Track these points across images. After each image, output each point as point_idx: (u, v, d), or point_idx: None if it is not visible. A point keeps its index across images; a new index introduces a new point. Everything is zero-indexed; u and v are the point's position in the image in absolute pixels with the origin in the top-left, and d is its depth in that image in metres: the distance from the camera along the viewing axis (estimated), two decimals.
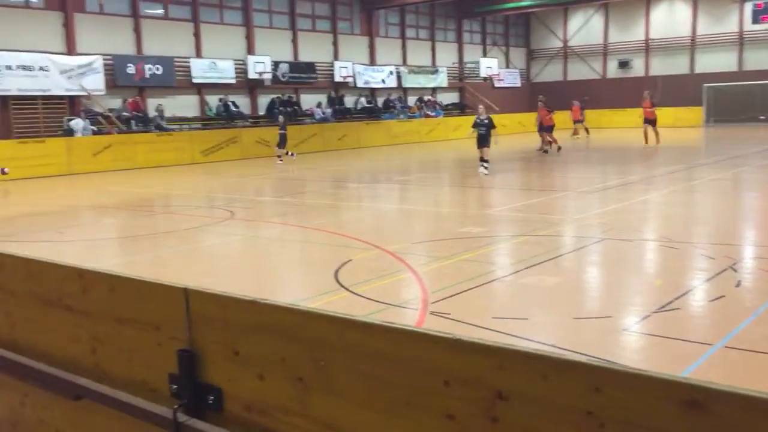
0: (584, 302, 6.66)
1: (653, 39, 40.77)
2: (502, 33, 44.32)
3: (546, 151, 23.77)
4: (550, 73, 44.87)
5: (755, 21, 36.75)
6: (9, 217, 12.83)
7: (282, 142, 23.25)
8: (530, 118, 40.12)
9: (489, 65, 40.54)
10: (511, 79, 43.42)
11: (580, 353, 4.51)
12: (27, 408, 3.29)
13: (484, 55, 42.07)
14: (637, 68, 41.46)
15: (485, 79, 40.63)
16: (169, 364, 2.48)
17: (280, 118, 24.77)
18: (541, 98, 25.28)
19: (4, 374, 3.29)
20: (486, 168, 17.01)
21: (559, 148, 23.95)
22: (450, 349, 1.78)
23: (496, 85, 41.60)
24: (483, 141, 17.10)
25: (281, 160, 23.24)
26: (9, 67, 22.26)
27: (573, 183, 16.71)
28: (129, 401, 2.60)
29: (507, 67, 43.76)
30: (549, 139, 23.94)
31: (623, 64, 41.82)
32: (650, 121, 25.72)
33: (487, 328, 5.54)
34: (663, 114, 37.30)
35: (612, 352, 5.13)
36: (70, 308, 2.93)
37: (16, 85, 22.45)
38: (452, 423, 1.80)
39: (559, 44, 44.41)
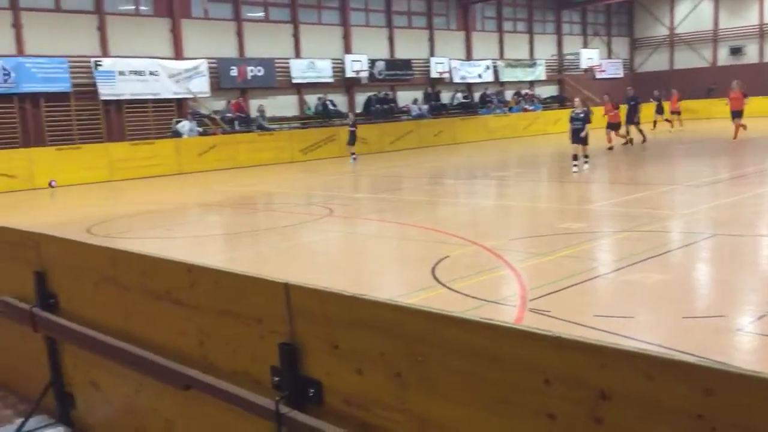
0: (694, 301, 6.36)
1: None
2: (603, 23, 42.96)
3: (628, 143, 22.66)
4: (655, 62, 43.10)
5: None
6: (123, 215, 13.56)
7: (352, 139, 23.74)
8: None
9: (590, 56, 39.41)
10: (613, 69, 42.02)
11: (690, 354, 4.31)
12: (141, 396, 3.46)
13: (585, 45, 40.91)
14: (751, 55, 39.18)
15: (586, 70, 39.52)
16: (271, 356, 2.54)
17: (350, 116, 25.18)
18: (606, 95, 23.96)
19: (119, 364, 3.47)
20: (584, 164, 16.13)
21: (611, 148, 22.15)
22: (550, 347, 1.74)
23: (597, 76, 40.34)
24: (576, 136, 16.32)
25: (355, 158, 23.64)
26: (122, 73, 23.53)
27: (680, 176, 16.00)
28: (234, 392, 2.69)
29: (609, 57, 42.38)
30: (617, 136, 22.45)
31: (735, 51, 39.62)
32: (736, 113, 23.24)
33: (588, 326, 5.39)
34: None
35: (725, 353, 4.88)
36: (179, 302, 3.06)
37: (128, 89, 23.71)
38: (553, 423, 1.76)
39: (666, 32, 42.58)
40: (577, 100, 17.63)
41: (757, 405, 1.39)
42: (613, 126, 22.58)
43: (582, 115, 16.49)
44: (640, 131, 23.81)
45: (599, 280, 7.11)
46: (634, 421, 1.60)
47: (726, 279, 6.99)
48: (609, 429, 1.65)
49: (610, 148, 22.15)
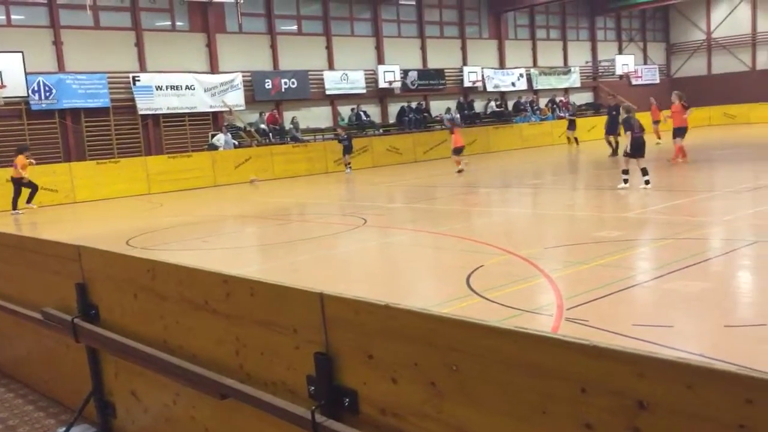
0: (735, 309, 6.23)
1: None
2: (638, 28, 42.52)
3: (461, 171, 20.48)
4: (692, 67, 42.50)
5: None
6: (161, 228, 13.77)
7: (347, 150, 24.17)
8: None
9: (625, 62, 39.02)
10: (649, 75, 41.54)
11: (733, 363, 4.22)
12: (179, 406, 3.51)
13: (620, 52, 40.53)
14: None
15: (621, 77, 39.12)
16: (306, 366, 2.56)
17: (339, 130, 25.08)
18: (448, 114, 22.63)
19: (158, 373, 3.52)
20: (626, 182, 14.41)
21: (460, 171, 20.41)
22: (587, 356, 1.72)
23: (634, 82, 39.92)
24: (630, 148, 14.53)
25: (349, 169, 24.17)
26: (159, 88, 23.98)
27: (720, 182, 15.72)
28: (270, 401, 2.71)
29: (645, 63, 41.91)
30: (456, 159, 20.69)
31: None
32: (678, 130, 20.08)
33: (627, 336, 5.31)
34: None
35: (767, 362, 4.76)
36: (215, 312, 3.10)
37: (166, 104, 24.17)
38: None
39: (702, 36, 41.99)
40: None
41: None
42: (456, 150, 20.79)
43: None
44: (611, 143, 22.72)
45: (638, 288, 7.01)
46: (674, 431, 1.57)
47: None
48: None
49: (459, 171, 20.49)
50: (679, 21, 43.13)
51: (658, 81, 41.86)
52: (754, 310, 6.16)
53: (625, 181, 14.35)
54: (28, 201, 17.95)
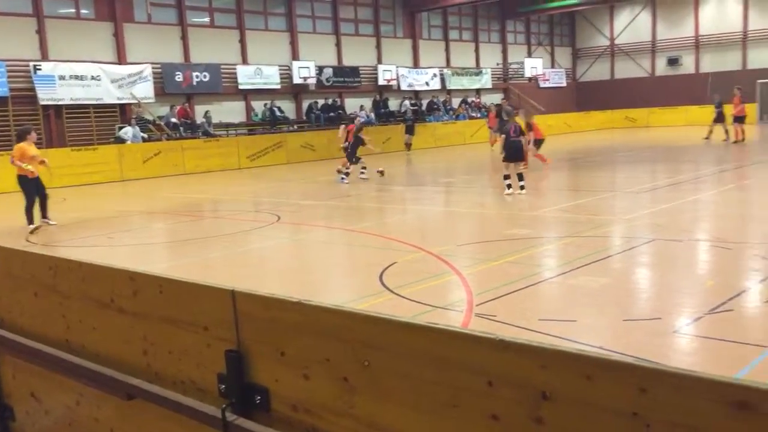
0: (633, 304, 6.54)
1: (703, 35, 39.85)
2: (546, 33, 43.88)
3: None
4: (596, 72, 44.23)
5: None
6: (63, 224, 13.20)
7: (352, 156, 19.20)
8: (575, 119, 40.00)
9: (534, 65, 40.22)
10: (556, 78, 42.96)
11: (629, 355, 4.43)
12: (82, 407, 3.39)
13: (529, 55, 41.71)
14: (687, 65, 40.58)
15: (530, 79, 40.32)
16: (217, 364, 2.52)
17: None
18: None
19: (59, 374, 3.39)
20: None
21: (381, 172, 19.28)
22: (493, 350, 1.78)
23: (542, 85, 41.23)
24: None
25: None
26: (63, 77, 22.95)
27: (621, 183, 16.44)
28: (179, 401, 2.65)
29: (552, 67, 43.30)
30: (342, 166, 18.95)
31: (672, 62, 40.97)
32: (739, 118, 24.55)
33: (533, 330, 5.50)
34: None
35: (662, 354, 5.03)
36: (122, 310, 3.01)
37: (69, 94, 23.14)
38: (496, 423, 1.80)
39: (606, 42, 43.74)
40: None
41: (687, 401, 1.45)
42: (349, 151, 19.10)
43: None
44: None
45: (544, 284, 7.25)
46: (573, 420, 1.64)
47: (664, 282, 7.22)
48: (549, 429, 1.69)
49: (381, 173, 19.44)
50: (584, 27, 44.79)
51: (564, 84, 43.36)
52: (651, 305, 6.49)
53: (509, 186, 14.17)
54: (42, 215, 12.63)
